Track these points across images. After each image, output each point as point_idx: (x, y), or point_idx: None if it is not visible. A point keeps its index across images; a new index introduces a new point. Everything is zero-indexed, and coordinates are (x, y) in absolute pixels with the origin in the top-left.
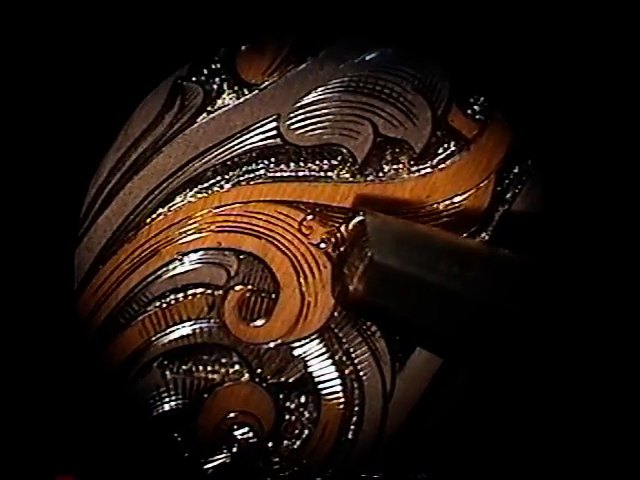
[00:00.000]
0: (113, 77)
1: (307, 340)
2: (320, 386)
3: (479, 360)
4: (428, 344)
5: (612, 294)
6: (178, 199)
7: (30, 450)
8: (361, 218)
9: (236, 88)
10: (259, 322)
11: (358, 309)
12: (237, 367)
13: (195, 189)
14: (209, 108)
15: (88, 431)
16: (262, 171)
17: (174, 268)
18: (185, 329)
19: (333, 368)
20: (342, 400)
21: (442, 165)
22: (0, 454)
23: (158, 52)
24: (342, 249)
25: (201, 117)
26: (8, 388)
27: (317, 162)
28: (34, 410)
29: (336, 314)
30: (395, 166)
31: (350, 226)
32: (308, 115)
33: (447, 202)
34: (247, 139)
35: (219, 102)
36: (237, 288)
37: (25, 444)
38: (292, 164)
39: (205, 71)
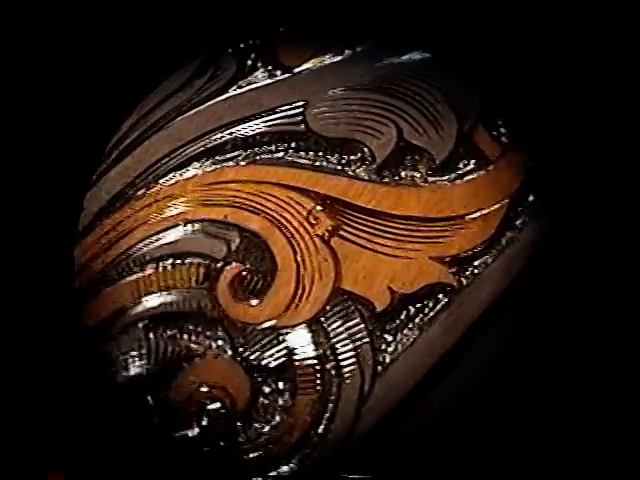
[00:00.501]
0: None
1: (295, 328)
2: (299, 376)
3: None
4: None
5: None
6: (193, 166)
7: (21, 446)
8: None
9: (270, 68)
10: (250, 302)
11: None
12: (220, 342)
13: (212, 159)
14: (240, 82)
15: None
16: (281, 154)
17: (177, 233)
18: (176, 296)
19: (315, 361)
20: (318, 394)
21: (459, 181)
22: None
23: (198, 23)
24: None
25: (230, 90)
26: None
27: (336, 155)
28: (26, 407)
29: (328, 308)
30: (412, 173)
31: None
32: (336, 107)
33: (457, 218)
34: (272, 120)
35: (251, 78)
36: (235, 264)
37: (16, 440)
38: (311, 153)
39: (242, 45)
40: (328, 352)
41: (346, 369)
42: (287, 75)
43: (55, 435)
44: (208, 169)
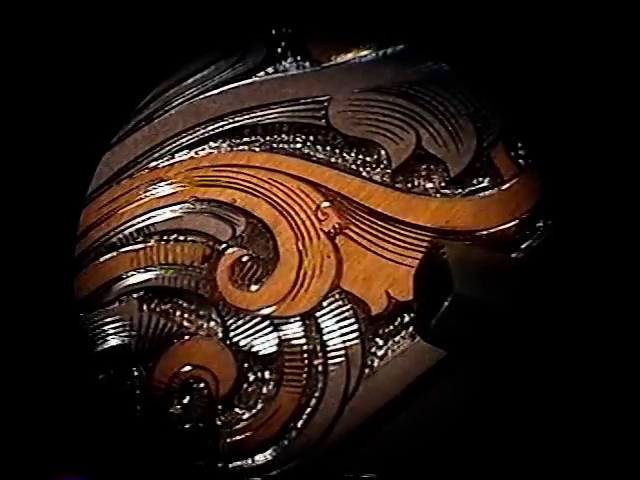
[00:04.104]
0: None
1: (289, 320)
2: (286, 368)
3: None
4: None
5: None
6: (209, 146)
7: (32, 447)
8: (441, 249)
9: (299, 58)
10: (248, 288)
11: (437, 340)
12: (213, 324)
13: (228, 142)
14: (268, 69)
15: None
16: (298, 145)
17: (184, 210)
18: (175, 272)
19: (304, 355)
20: (302, 388)
21: (471, 196)
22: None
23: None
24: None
25: (257, 75)
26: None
27: (352, 154)
28: (34, 408)
29: (324, 304)
30: (425, 182)
31: (429, 257)
32: (359, 106)
33: (464, 233)
34: (294, 110)
35: (278, 66)
36: (237, 249)
37: (26, 440)
38: (328, 148)
39: (274, 32)
40: (318, 348)
41: (333, 367)
42: (315, 68)
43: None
44: (223, 151)
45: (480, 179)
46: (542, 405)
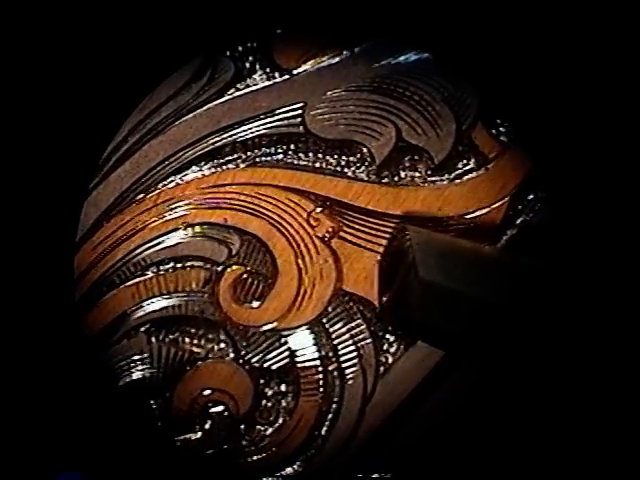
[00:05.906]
0: (144, 48)
1: (297, 330)
2: (302, 378)
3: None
4: (466, 354)
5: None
6: (192, 170)
7: (32, 447)
8: (405, 234)
9: (268, 70)
10: (252, 304)
11: (402, 325)
12: (223, 345)
13: (211, 163)
14: (238, 85)
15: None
16: (280, 156)
17: (177, 237)
18: (178, 299)
19: (318, 362)
20: (321, 395)
21: (458, 180)
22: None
23: (195, 26)
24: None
25: (228, 93)
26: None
27: (335, 156)
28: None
29: (329, 309)
30: (412, 173)
31: (394, 243)
32: (335, 108)
33: (457, 217)
34: (271, 122)
35: (249, 81)
36: (235, 267)
37: (27, 440)
38: (311, 154)
39: (240, 48)
40: (330, 353)
41: (348, 370)
42: (285, 77)
43: (61, 441)
44: (207, 172)
45: (465, 162)
46: (538, 398)
